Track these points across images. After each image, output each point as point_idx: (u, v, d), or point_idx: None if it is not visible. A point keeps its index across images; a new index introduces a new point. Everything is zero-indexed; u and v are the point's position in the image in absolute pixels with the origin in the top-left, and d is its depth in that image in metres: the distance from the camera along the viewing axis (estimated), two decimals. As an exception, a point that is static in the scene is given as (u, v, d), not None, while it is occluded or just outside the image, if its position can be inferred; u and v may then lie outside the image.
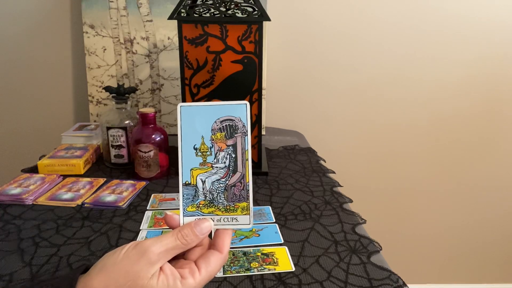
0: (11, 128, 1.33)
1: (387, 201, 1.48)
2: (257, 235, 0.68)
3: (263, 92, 1.17)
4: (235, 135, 0.45)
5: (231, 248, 0.63)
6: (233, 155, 0.45)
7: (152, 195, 0.83)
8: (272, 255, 0.62)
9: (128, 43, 1.18)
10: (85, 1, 1.16)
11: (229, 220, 0.45)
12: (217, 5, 0.85)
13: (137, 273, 0.39)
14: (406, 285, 0.57)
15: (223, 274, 0.57)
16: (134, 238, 0.67)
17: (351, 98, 1.35)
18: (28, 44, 1.25)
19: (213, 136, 0.45)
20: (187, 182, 0.45)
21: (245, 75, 0.87)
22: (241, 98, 0.88)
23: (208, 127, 0.45)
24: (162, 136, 0.89)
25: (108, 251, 0.58)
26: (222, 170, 0.45)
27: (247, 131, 0.45)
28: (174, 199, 0.80)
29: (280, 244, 0.65)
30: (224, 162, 0.45)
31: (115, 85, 1.12)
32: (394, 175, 1.44)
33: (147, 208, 0.77)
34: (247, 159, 0.45)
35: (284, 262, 0.60)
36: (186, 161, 0.45)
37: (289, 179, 0.91)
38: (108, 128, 0.94)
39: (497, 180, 1.47)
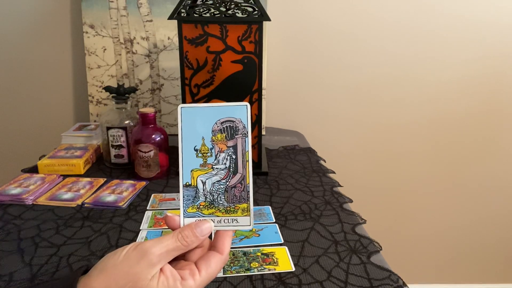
0: (11, 128, 1.33)
1: (387, 201, 1.48)
2: (257, 235, 0.68)
3: (263, 92, 1.17)
4: (236, 136, 0.45)
5: (231, 248, 0.63)
6: (234, 156, 0.45)
7: (152, 195, 0.83)
8: (272, 255, 0.62)
9: (128, 43, 1.18)
10: (85, 1, 1.16)
11: (229, 221, 0.45)
12: (217, 5, 0.85)
13: (137, 274, 0.39)
14: (406, 285, 0.57)
15: (223, 274, 0.57)
16: (134, 238, 0.67)
17: (351, 98, 1.35)
18: (28, 44, 1.25)
19: (213, 137, 0.45)
20: (187, 183, 0.45)
21: (245, 75, 0.87)
22: (241, 98, 0.88)
23: (209, 128, 0.45)
24: (162, 136, 0.89)
25: (108, 251, 0.58)
26: (222, 171, 0.45)
27: (247, 132, 0.45)
28: (174, 199, 0.80)
29: (280, 244, 0.65)
30: (225, 163, 0.45)
31: (115, 85, 1.12)
32: (394, 175, 1.44)
33: (147, 208, 0.77)
34: (248, 160, 0.45)
35: (284, 262, 0.60)
36: (187, 162, 0.45)
37: (289, 179, 0.91)
38: (108, 128, 0.94)
39: (497, 180, 1.47)
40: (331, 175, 0.95)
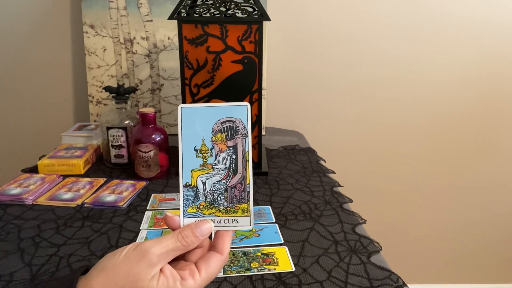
0: (11, 128, 1.33)
1: (387, 201, 1.48)
2: (257, 235, 0.68)
3: (263, 92, 1.17)
4: (236, 136, 0.45)
5: (231, 248, 0.63)
6: (234, 157, 0.45)
7: (152, 195, 0.83)
8: (272, 255, 0.62)
9: (128, 43, 1.18)
10: (85, 1, 1.16)
11: (229, 221, 0.45)
12: (217, 5, 0.85)
13: (137, 274, 0.39)
14: (406, 285, 0.57)
15: (223, 274, 0.57)
16: (134, 238, 0.67)
17: (351, 98, 1.35)
18: (28, 44, 1.25)
19: (213, 137, 0.45)
20: (187, 184, 0.45)
21: (245, 75, 0.87)
22: (241, 98, 0.88)
23: (209, 128, 0.45)
24: (162, 136, 0.89)
25: (108, 251, 0.58)
26: (222, 172, 0.45)
27: (247, 132, 0.45)
28: (174, 199, 0.80)
29: (280, 244, 0.65)
30: (225, 164, 0.45)
31: (115, 85, 1.12)
32: (394, 175, 1.44)
33: (147, 208, 0.77)
34: (248, 161, 0.45)
35: (284, 262, 0.60)
36: (187, 162, 0.45)
37: (289, 179, 0.91)
38: (108, 128, 0.94)
39: (497, 180, 1.47)
40: (331, 175, 0.95)
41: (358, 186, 1.43)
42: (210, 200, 0.45)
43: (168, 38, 1.18)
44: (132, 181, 0.87)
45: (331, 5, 1.25)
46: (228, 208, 0.45)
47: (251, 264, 0.59)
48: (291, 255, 0.62)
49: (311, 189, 0.86)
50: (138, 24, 1.17)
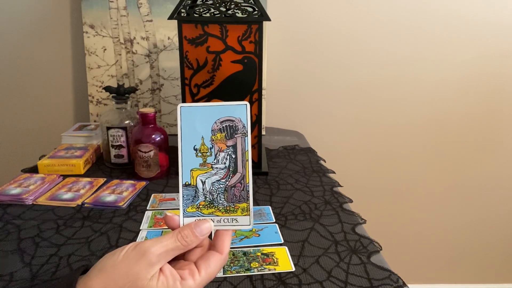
0: (11, 128, 1.33)
1: (387, 201, 1.48)
2: (257, 235, 0.68)
3: (263, 92, 1.17)
4: (235, 136, 0.45)
5: (231, 248, 0.63)
6: (233, 156, 0.45)
7: (152, 195, 0.83)
8: (272, 255, 0.62)
9: (128, 43, 1.18)
10: (85, 1, 1.16)
11: (229, 221, 0.45)
12: (217, 5, 0.85)
13: (136, 274, 0.39)
14: (406, 285, 0.57)
15: (223, 274, 0.57)
16: (134, 238, 0.67)
17: (351, 98, 1.34)
18: (28, 44, 1.25)
19: (213, 137, 0.45)
20: (187, 183, 0.45)
21: (245, 75, 0.87)
22: (241, 98, 0.88)
23: (208, 128, 0.45)
24: (162, 136, 0.89)
25: (108, 251, 0.58)
26: (222, 171, 0.45)
27: (247, 132, 0.45)
28: (174, 199, 0.80)
29: (280, 244, 0.65)
30: (224, 163, 0.45)
31: (115, 85, 1.12)
32: (394, 175, 1.44)
33: (147, 208, 0.77)
34: (247, 160, 0.45)
35: (284, 262, 0.60)
36: (186, 161, 0.45)
37: (289, 179, 0.91)
38: (108, 128, 0.94)
39: (497, 180, 1.47)
40: (331, 175, 0.95)
41: (358, 186, 1.43)
42: (210, 199, 0.45)
43: (168, 38, 1.18)
44: (132, 181, 0.87)
45: (331, 5, 1.25)
46: (228, 208, 0.45)
47: (251, 264, 0.59)
48: (291, 255, 0.62)
49: (311, 189, 0.86)
50: (138, 24, 1.17)
